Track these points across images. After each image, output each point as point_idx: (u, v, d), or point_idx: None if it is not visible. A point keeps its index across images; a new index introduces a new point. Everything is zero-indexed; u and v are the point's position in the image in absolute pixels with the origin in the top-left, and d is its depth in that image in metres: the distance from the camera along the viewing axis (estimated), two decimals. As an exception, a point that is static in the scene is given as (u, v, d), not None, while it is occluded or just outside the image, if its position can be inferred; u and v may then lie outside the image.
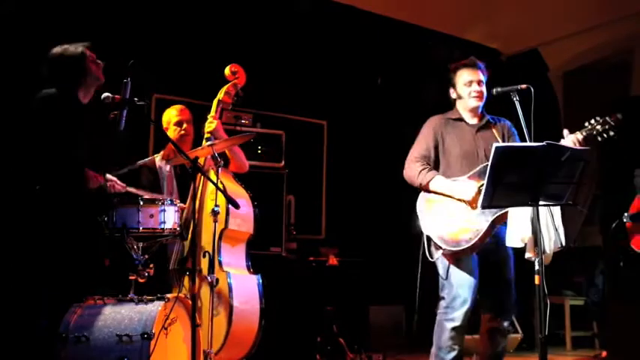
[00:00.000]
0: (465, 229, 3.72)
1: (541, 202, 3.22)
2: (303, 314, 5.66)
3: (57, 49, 3.73)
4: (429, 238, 3.83)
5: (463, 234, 3.72)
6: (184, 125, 4.34)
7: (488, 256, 3.82)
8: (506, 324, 3.87)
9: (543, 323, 3.13)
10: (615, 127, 3.84)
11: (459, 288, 3.77)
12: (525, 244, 3.60)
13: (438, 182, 3.81)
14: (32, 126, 3.58)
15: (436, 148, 3.92)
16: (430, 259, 3.84)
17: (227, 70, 4.28)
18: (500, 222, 3.72)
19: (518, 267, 3.89)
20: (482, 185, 3.56)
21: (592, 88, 7.44)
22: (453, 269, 3.80)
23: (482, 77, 3.91)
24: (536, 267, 3.20)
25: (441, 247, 3.78)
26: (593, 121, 3.87)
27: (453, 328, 3.75)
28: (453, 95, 3.99)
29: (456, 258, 3.79)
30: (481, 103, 3.91)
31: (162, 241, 3.78)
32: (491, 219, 3.66)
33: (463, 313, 3.74)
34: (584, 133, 3.75)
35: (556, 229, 3.56)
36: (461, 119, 3.97)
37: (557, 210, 3.60)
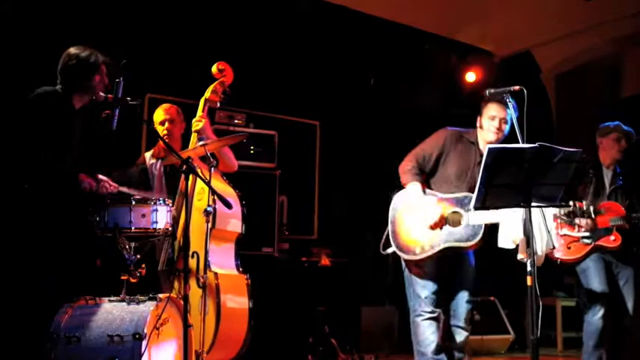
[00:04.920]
0: (416, 242, 3.87)
1: (533, 204, 3.23)
2: (295, 315, 5.66)
3: (77, 49, 3.72)
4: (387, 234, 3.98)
5: (413, 245, 3.88)
6: (167, 125, 4.29)
7: (448, 258, 3.94)
8: (462, 322, 4.00)
9: (535, 324, 3.14)
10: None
11: (419, 288, 3.94)
12: (517, 246, 3.61)
13: (410, 189, 3.94)
14: (24, 122, 3.56)
15: (438, 158, 4.02)
16: (381, 251, 3.98)
17: (214, 68, 4.23)
18: (454, 250, 3.85)
19: (510, 268, 3.91)
20: (450, 214, 3.81)
21: (584, 90, 7.47)
22: (414, 273, 3.97)
23: (508, 116, 3.93)
24: (529, 268, 3.21)
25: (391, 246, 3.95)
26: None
27: (425, 320, 3.91)
28: (477, 123, 4.07)
29: (416, 262, 3.94)
30: (499, 140, 3.97)
31: (154, 241, 3.76)
32: (443, 246, 3.80)
33: (429, 305, 3.91)
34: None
35: (548, 231, 3.57)
36: (475, 142, 4.06)
37: (549, 211, 3.62)
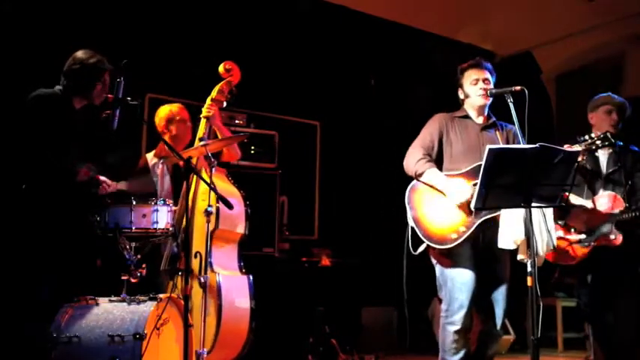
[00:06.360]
0: (452, 227, 3.67)
1: (534, 204, 3.22)
2: (295, 315, 5.66)
3: (84, 54, 3.75)
4: (413, 230, 3.74)
5: (449, 232, 3.66)
6: (188, 123, 4.35)
7: (483, 254, 3.75)
8: (498, 327, 3.79)
9: (536, 325, 3.13)
10: (612, 143, 3.85)
11: (455, 291, 3.70)
12: (518, 246, 3.60)
13: (432, 174, 3.76)
14: (22, 123, 3.57)
15: (440, 142, 3.90)
16: (413, 252, 3.75)
17: (221, 68, 4.23)
18: (492, 220, 3.68)
19: (511, 269, 3.88)
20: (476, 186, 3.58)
21: (584, 91, 7.46)
22: (448, 270, 3.74)
23: (489, 76, 3.93)
24: (529, 269, 3.20)
25: (424, 242, 3.71)
26: (593, 135, 3.87)
27: (455, 332, 3.68)
28: (461, 95, 4.00)
29: (450, 256, 3.73)
30: (487, 102, 3.91)
31: (154, 241, 3.76)
32: (478, 221, 3.63)
33: (462, 316, 3.66)
34: (584, 146, 3.80)
35: (548, 231, 3.56)
36: (467, 117, 3.98)
37: (549, 212, 3.61)
